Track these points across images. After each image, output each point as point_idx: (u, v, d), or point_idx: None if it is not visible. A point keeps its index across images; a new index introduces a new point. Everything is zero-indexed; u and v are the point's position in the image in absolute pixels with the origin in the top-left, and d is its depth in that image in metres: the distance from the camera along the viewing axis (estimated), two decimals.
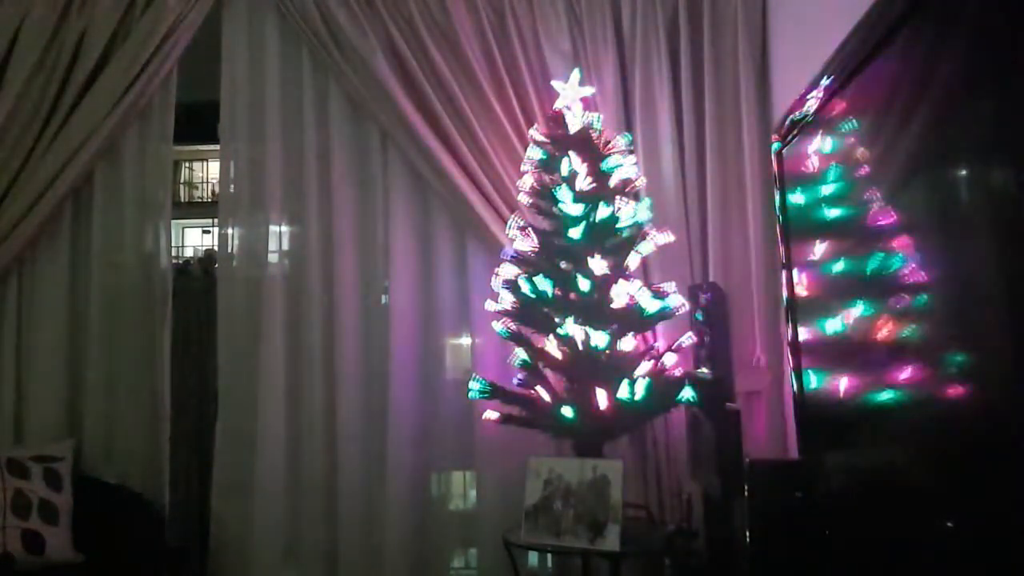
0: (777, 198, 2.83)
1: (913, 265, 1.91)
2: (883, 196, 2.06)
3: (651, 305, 2.55)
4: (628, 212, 2.59)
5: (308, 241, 3.05)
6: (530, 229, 2.62)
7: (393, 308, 3.00)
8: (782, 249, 2.81)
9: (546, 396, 2.57)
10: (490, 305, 2.65)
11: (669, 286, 2.60)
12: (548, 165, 2.67)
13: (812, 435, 2.61)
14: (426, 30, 2.96)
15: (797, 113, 2.65)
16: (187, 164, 5.69)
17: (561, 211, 2.60)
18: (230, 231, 3.05)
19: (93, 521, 2.68)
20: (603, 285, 2.52)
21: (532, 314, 2.59)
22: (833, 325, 2.45)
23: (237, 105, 3.05)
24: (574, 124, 2.64)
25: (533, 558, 2.83)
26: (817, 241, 2.62)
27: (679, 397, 2.51)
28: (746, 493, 2.45)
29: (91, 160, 2.94)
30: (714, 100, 2.91)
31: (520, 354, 2.60)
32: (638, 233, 2.61)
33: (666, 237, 2.64)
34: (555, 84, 2.76)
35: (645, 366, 2.53)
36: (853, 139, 2.27)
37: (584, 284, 2.51)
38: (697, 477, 2.65)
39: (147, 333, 2.97)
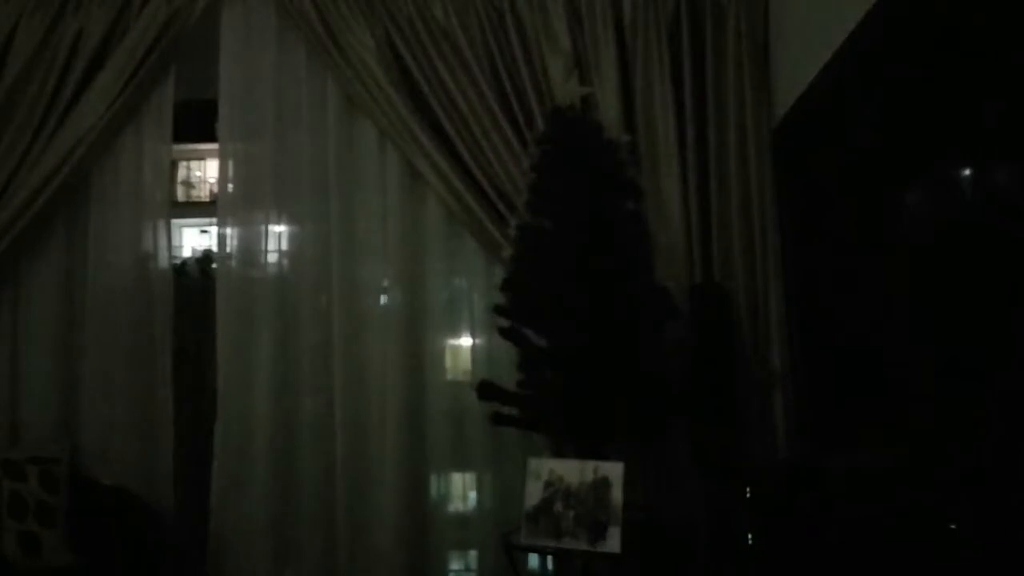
0: (778, 197, 2.84)
1: (913, 264, 1.90)
2: (883, 194, 2.06)
3: (652, 305, 2.53)
4: (628, 211, 2.57)
5: (306, 241, 3.04)
6: (529, 229, 2.61)
7: (391, 308, 2.99)
8: (783, 248, 2.81)
9: (546, 397, 2.55)
10: (489, 305, 2.64)
11: (670, 286, 2.59)
12: (547, 165, 2.66)
13: (812, 435, 2.61)
14: (425, 29, 2.94)
15: (798, 112, 2.65)
16: (185, 163, 5.67)
17: (560, 210, 2.58)
18: (228, 231, 3.04)
19: (90, 523, 2.66)
20: (603, 285, 2.51)
21: (531, 314, 2.58)
22: (835, 324, 2.45)
23: (235, 104, 3.04)
24: (574, 124, 2.63)
25: (533, 560, 2.82)
26: (818, 240, 2.62)
27: (680, 397, 2.50)
28: (746, 493, 2.45)
29: (88, 159, 2.93)
30: (715, 99, 2.90)
31: (519, 354, 2.59)
32: (639, 233, 2.60)
33: (666, 237, 2.63)
34: (555, 84, 2.75)
35: (646, 367, 2.52)
36: (854, 138, 2.27)
37: (583, 285, 2.49)
38: (697, 477, 2.64)
39: (145, 333, 2.96)
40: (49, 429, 2.89)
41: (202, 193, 4.28)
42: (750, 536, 2.40)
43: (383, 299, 3.04)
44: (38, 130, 2.91)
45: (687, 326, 2.66)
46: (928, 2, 1.81)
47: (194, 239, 4.09)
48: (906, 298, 1.94)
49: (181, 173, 4.30)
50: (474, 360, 2.98)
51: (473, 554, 3.01)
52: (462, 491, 3.08)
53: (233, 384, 2.95)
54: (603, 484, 2.32)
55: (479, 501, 2.98)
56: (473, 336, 3.00)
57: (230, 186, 3.07)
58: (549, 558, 2.79)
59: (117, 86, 2.92)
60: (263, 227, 3.05)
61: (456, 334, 3.07)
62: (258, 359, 2.94)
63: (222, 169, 3.10)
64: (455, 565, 3.04)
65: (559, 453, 2.67)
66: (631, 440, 2.63)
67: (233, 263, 3.03)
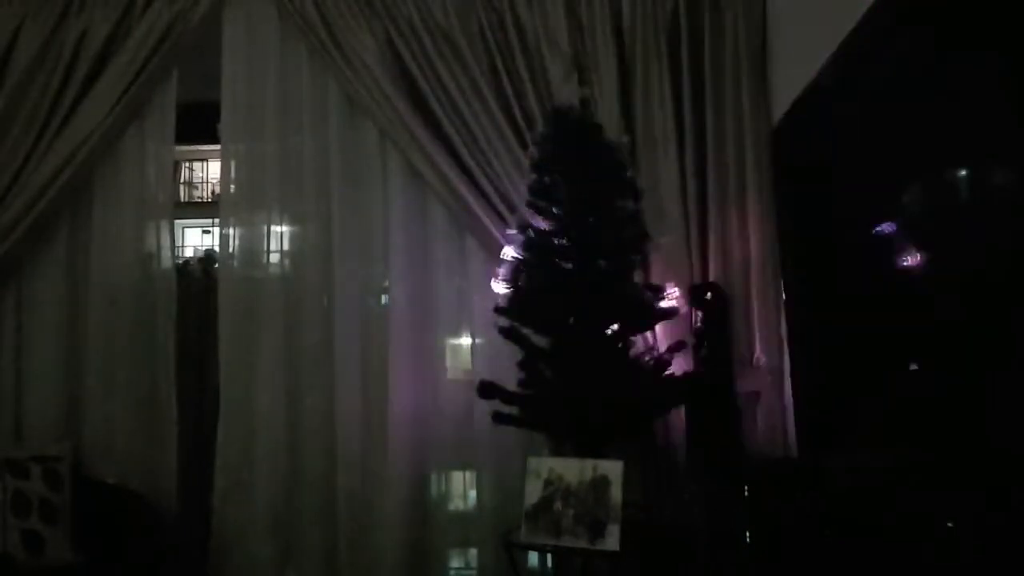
0: (777, 197, 2.84)
1: (914, 263, 1.91)
2: (883, 195, 2.06)
3: (651, 305, 2.54)
4: (628, 212, 2.58)
5: (307, 241, 3.05)
6: (529, 229, 2.61)
7: (392, 308, 3.00)
8: (782, 249, 2.81)
9: (545, 396, 2.56)
10: (489, 305, 2.64)
11: (669, 286, 2.59)
12: (547, 165, 2.66)
13: (812, 435, 2.61)
14: (425, 30, 2.95)
15: (797, 112, 2.65)
16: (187, 164, 5.70)
17: (560, 211, 2.59)
18: (231, 231, 3.05)
19: (93, 521, 2.67)
20: (603, 285, 2.51)
21: (531, 314, 2.58)
22: (835, 324, 2.45)
23: (237, 105, 3.05)
24: (573, 124, 2.63)
25: (533, 558, 2.82)
26: (817, 240, 2.62)
27: (679, 397, 2.50)
28: (746, 493, 2.45)
29: (91, 160, 2.95)
30: (714, 100, 2.90)
31: (519, 353, 2.59)
32: (638, 233, 2.60)
33: (666, 237, 2.63)
34: (555, 84, 2.75)
35: (645, 366, 2.52)
36: (853, 138, 2.27)
37: (583, 284, 2.50)
38: (697, 477, 2.64)
39: (148, 333, 2.97)
40: (52, 428, 2.90)
41: (204, 193, 4.31)
42: (749, 536, 2.40)
43: (384, 299, 3.05)
44: (41, 131, 2.92)
45: (687, 326, 2.66)
46: (926, 2, 1.81)
47: (197, 239, 4.12)
48: (906, 298, 1.94)
49: (184, 174, 4.33)
50: (475, 359, 2.99)
51: (473, 552, 3.01)
52: (462, 490, 3.08)
53: (235, 384, 2.96)
54: (602, 483, 2.33)
55: (479, 500, 2.98)
56: (473, 336, 3.00)
57: (232, 186, 3.08)
58: (549, 556, 2.79)
59: (120, 88, 2.93)
60: (265, 227, 3.06)
61: (457, 334, 3.07)
62: (260, 359, 2.95)
63: (224, 170, 3.10)
64: (455, 563, 3.05)
65: (559, 452, 2.68)
66: (631, 440, 2.63)
67: (235, 263, 3.04)
